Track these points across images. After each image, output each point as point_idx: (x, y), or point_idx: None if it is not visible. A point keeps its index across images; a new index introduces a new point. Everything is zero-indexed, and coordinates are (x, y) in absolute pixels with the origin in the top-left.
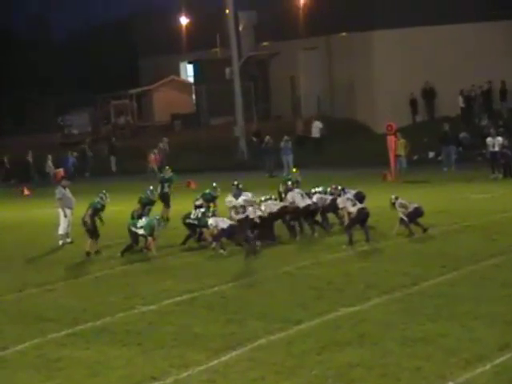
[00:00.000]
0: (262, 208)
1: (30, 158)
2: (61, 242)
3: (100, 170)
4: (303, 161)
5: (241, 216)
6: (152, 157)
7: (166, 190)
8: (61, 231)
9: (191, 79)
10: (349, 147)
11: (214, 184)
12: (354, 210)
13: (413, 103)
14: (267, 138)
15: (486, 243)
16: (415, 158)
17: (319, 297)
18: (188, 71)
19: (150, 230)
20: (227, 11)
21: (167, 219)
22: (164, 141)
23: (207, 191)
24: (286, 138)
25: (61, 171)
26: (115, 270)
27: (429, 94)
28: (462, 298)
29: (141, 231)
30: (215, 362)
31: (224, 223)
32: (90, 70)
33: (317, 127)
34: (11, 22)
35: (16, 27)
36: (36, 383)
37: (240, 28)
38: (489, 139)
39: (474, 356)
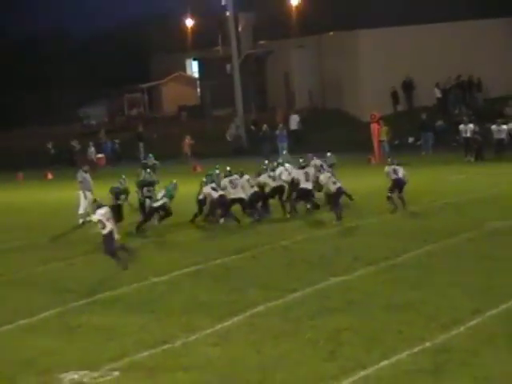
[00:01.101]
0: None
1: (75, 144)
2: (81, 221)
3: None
4: (295, 147)
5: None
6: (186, 142)
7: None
8: (81, 211)
9: (196, 75)
10: (337, 135)
11: (217, 166)
12: (333, 188)
13: (394, 95)
14: (264, 126)
15: (462, 219)
16: (396, 142)
17: (312, 268)
18: (193, 67)
19: (171, 194)
20: (228, 13)
21: None
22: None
23: (210, 173)
24: (280, 126)
25: (103, 157)
26: (131, 246)
27: (408, 86)
28: (441, 269)
29: (161, 202)
30: (219, 326)
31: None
32: (106, 67)
33: (294, 120)
34: (37, 23)
35: (41, 28)
36: (58, 347)
37: (239, 28)
38: (461, 126)
39: (450, 320)
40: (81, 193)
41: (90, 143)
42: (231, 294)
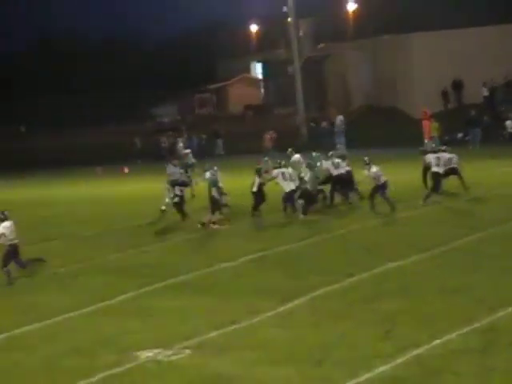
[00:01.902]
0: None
1: (165, 141)
2: (163, 207)
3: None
4: (352, 143)
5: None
6: (268, 137)
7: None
8: (167, 200)
9: (260, 76)
10: (391, 130)
11: (266, 158)
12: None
13: (444, 94)
14: (323, 123)
15: (510, 209)
16: (446, 138)
17: (367, 255)
18: (257, 69)
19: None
20: (289, 19)
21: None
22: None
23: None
24: (341, 122)
25: (189, 152)
26: (197, 234)
27: (458, 85)
28: (488, 255)
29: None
30: (281, 309)
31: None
32: (178, 69)
33: (340, 120)
34: (114, 27)
35: (119, 32)
36: (134, 327)
37: (300, 33)
38: (508, 122)
39: (497, 303)
40: (167, 186)
41: (178, 139)
42: (293, 278)
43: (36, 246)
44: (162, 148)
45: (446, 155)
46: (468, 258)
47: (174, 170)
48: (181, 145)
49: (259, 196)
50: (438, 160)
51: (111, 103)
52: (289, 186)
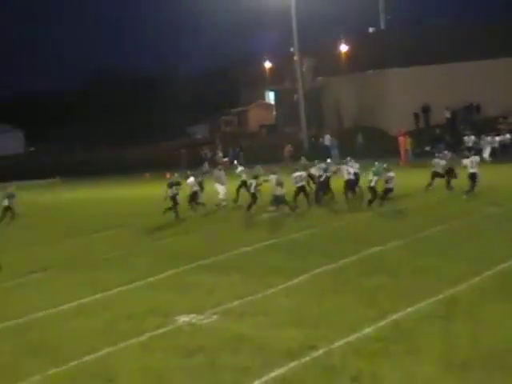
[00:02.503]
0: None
1: (205, 152)
2: (224, 203)
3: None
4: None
5: None
6: (286, 149)
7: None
8: (221, 196)
9: (272, 102)
10: (373, 145)
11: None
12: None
13: (416, 116)
14: (320, 139)
15: (467, 205)
16: (417, 151)
17: (357, 242)
18: (270, 97)
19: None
20: (295, 57)
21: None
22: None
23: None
24: (332, 139)
25: (227, 161)
26: (222, 225)
27: (426, 109)
28: (450, 241)
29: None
30: (289, 283)
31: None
32: (209, 97)
33: (327, 138)
34: (162, 67)
35: (164, 70)
36: (173, 298)
37: (303, 68)
38: (466, 138)
39: (457, 278)
40: (217, 185)
41: (218, 150)
42: (298, 260)
43: (100, 233)
44: (204, 157)
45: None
46: (435, 244)
47: (219, 174)
48: (220, 154)
49: (254, 197)
50: (472, 163)
51: (157, 124)
52: (279, 191)
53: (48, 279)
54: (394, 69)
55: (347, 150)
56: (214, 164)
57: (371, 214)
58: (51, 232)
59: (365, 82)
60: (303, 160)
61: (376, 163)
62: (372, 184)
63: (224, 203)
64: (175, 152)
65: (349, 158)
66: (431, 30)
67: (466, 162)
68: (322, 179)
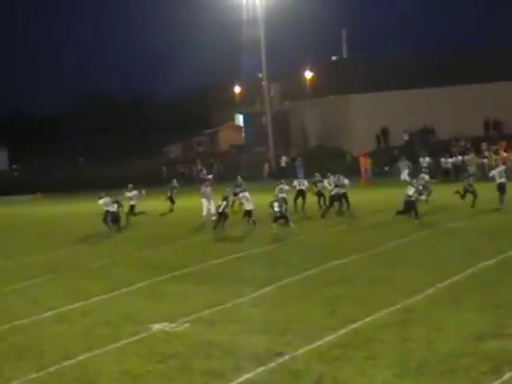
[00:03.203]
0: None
1: (183, 171)
2: (214, 218)
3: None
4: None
5: None
6: (266, 167)
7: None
8: (208, 212)
9: (242, 124)
10: (337, 165)
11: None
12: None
13: (377, 138)
14: (286, 159)
15: (423, 221)
16: (377, 170)
17: (320, 254)
18: (240, 119)
19: None
20: (263, 82)
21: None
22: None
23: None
24: (298, 158)
25: (210, 177)
26: (198, 239)
27: (385, 132)
28: (406, 255)
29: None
30: (257, 293)
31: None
32: (183, 119)
33: (283, 160)
34: (137, 89)
35: (141, 94)
36: (148, 306)
37: (271, 93)
38: (421, 159)
39: (413, 289)
40: (204, 201)
41: (203, 167)
42: (265, 271)
43: (82, 245)
44: (183, 174)
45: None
46: (393, 257)
47: (206, 190)
48: (204, 171)
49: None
50: (500, 174)
51: (136, 143)
52: (249, 206)
53: (32, 288)
54: (355, 94)
55: (313, 169)
56: (200, 181)
57: (335, 229)
58: (36, 243)
59: (328, 106)
60: (239, 180)
61: (414, 180)
62: (412, 198)
63: (203, 220)
64: (153, 169)
65: (317, 174)
66: (391, 58)
67: (493, 173)
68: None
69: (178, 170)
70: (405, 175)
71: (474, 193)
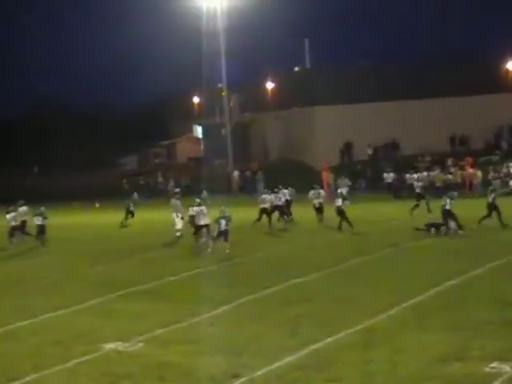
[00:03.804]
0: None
1: (148, 182)
2: (178, 234)
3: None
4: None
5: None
6: (235, 180)
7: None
8: (178, 227)
9: (200, 136)
10: (298, 179)
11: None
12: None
13: (342, 152)
14: (248, 172)
15: (384, 239)
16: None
17: (279, 272)
18: (199, 131)
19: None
20: (223, 93)
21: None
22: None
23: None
24: (259, 172)
25: (179, 191)
26: (154, 255)
27: (348, 146)
28: (369, 273)
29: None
30: (214, 312)
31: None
32: (139, 130)
33: (237, 175)
34: (93, 99)
35: (95, 103)
36: (101, 325)
37: (231, 104)
38: (385, 174)
39: (377, 309)
40: (174, 214)
41: (171, 180)
42: (222, 289)
43: (34, 259)
44: (149, 187)
45: None
46: (355, 276)
47: (176, 203)
48: (172, 184)
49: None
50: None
51: (91, 154)
52: (204, 221)
53: None
54: (319, 106)
55: (274, 183)
56: (169, 195)
57: (295, 246)
58: None
59: (291, 118)
60: (204, 194)
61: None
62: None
63: (178, 234)
64: (108, 181)
65: (280, 186)
66: (356, 69)
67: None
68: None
69: (138, 182)
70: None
71: (496, 209)
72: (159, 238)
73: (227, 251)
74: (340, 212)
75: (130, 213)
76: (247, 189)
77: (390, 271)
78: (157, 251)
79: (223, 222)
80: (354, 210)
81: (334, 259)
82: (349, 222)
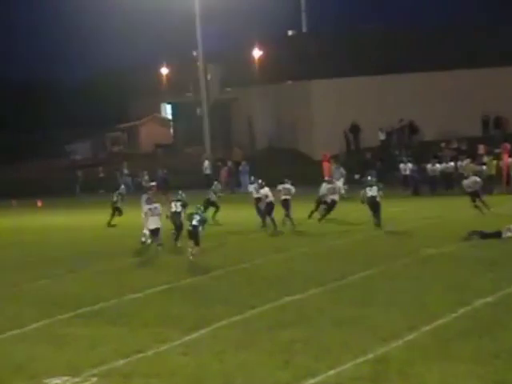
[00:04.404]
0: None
1: (120, 172)
2: (143, 239)
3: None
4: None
5: None
6: (224, 172)
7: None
8: (145, 230)
9: (170, 117)
10: (292, 171)
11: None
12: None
13: (346, 137)
14: (229, 162)
15: (398, 246)
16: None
17: (269, 287)
18: (167, 110)
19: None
20: (198, 64)
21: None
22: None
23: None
24: (244, 163)
25: (154, 185)
26: (109, 266)
27: (355, 129)
28: (380, 289)
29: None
30: (187, 338)
31: None
32: (92, 110)
33: (207, 165)
34: (32, 72)
35: (36, 77)
36: (45, 354)
37: (208, 77)
38: (401, 165)
39: (389, 334)
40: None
41: (145, 172)
42: (198, 309)
43: None
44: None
45: None
46: (361, 292)
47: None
48: (146, 177)
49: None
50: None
51: (29, 141)
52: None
53: None
54: (317, 80)
55: (261, 176)
56: (143, 189)
57: (286, 255)
58: None
59: (283, 95)
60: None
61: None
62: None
63: (143, 239)
64: (55, 174)
65: (260, 181)
66: (363, 34)
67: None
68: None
69: (98, 175)
70: (340, 185)
71: None
72: (122, 245)
73: (191, 257)
74: (375, 204)
75: (116, 210)
76: (229, 183)
77: (406, 286)
78: (117, 261)
79: (197, 217)
80: (361, 210)
81: (338, 271)
82: (380, 218)
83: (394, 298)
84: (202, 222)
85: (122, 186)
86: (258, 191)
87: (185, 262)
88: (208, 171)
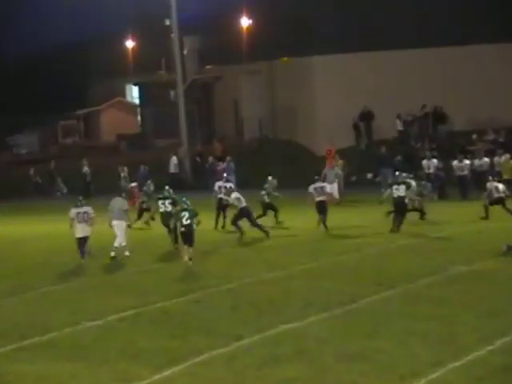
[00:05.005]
0: None
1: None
2: (127, 253)
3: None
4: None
5: None
6: (219, 168)
7: None
8: (124, 242)
9: (137, 101)
10: (289, 169)
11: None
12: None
13: (356, 127)
14: (210, 158)
15: (420, 262)
16: (353, 179)
17: (260, 313)
18: (134, 93)
19: None
20: (172, 35)
21: None
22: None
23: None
24: (228, 158)
25: (134, 185)
26: (61, 286)
27: (367, 116)
28: (398, 315)
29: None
30: (158, 376)
31: None
32: (40, 92)
33: (173, 163)
34: None
35: None
36: None
37: (184, 52)
38: (424, 161)
39: (408, 371)
40: (115, 222)
41: (124, 168)
42: (172, 340)
43: None
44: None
45: None
46: (374, 319)
47: (122, 202)
48: (123, 174)
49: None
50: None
51: None
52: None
53: None
54: (318, 56)
55: (250, 176)
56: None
57: (282, 274)
58: None
59: (278, 74)
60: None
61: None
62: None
63: (127, 253)
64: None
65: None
66: (375, 1)
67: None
68: None
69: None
70: (335, 188)
71: None
72: (78, 259)
73: (190, 263)
74: (401, 207)
75: (144, 210)
76: (204, 183)
77: (430, 312)
78: (72, 280)
79: (186, 214)
80: (375, 215)
81: (344, 294)
82: (401, 223)
83: (414, 327)
84: (193, 216)
85: (149, 182)
86: (227, 197)
87: (154, 282)
88: (173, 170)
